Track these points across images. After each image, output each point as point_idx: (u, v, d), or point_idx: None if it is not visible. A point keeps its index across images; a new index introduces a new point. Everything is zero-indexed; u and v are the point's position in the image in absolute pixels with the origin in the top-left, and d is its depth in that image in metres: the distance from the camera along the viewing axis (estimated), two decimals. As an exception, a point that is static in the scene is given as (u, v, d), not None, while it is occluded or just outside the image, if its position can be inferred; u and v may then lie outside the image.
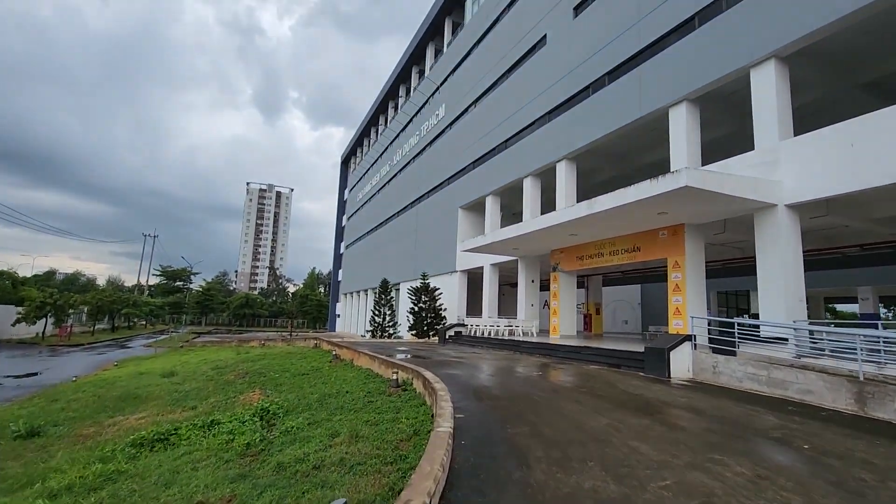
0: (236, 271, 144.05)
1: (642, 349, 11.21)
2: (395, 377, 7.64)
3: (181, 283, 55.71)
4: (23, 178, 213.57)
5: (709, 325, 15.75)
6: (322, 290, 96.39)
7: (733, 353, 9.65)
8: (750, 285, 32.90)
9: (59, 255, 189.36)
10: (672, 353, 9.37)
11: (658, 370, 9.38)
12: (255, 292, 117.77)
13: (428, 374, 6.99)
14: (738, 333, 10.07)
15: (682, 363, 9.54)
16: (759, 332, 10.68)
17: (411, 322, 26.40)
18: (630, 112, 15.73)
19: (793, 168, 11.21)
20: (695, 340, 9.78)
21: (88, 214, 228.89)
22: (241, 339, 22.01)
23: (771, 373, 7.96)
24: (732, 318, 12.53)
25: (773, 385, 7.90)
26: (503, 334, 19.72)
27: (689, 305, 13.43)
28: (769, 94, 11.81)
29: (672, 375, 9.28)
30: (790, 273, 11.21)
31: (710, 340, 10.06)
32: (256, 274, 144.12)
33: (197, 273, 51.49)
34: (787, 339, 10.28)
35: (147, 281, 57.67)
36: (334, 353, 12.70)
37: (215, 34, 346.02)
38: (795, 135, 11.58)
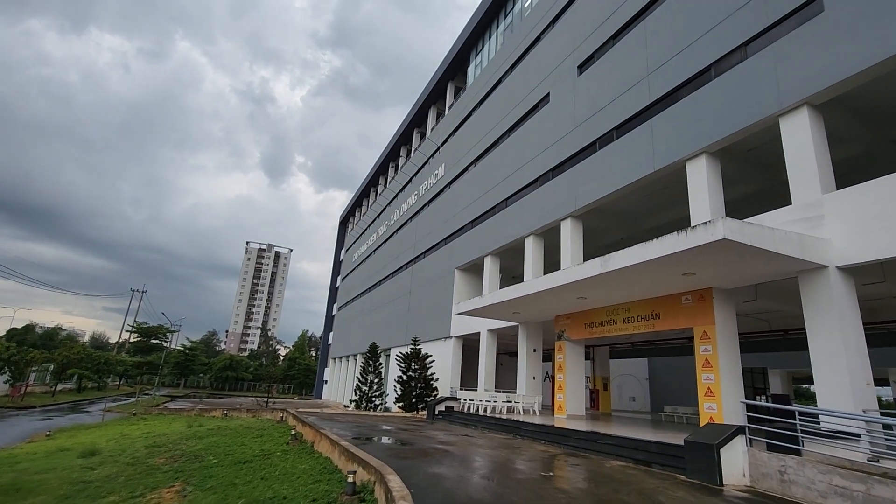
0: (227, 331, 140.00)
1: (677, 441, 8.95)
2: (351, 479, 5.48)
3: (157, 341, 52.61)
4: (24, 230, 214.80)
5: (750, 412, 13.48)
6: (313, 354, 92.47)
7: (797, 453, 7.47)
8: (767, 362, 30.50)
9: (51, 308, 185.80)
10: (722, 451, 7.18)
11: (705, 474, 7.15)
12: (245, 354, 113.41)
13: (393, 483, 4.85)
14: (800, 426, 7.92)
15: (735, 464, 7.31)
16: (818, 424, 8.55)
17: (399, 393, 23.75)
18: (642, 167, 14.46)
19: (842, 224, 9.60)
20: (748, 434, 7.60)
21: (86, 269, 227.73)
22: (205, 407, 19.41)
23: (872, 488, 5.78)
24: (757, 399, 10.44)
25: (876, 507, 5.69)
26: (501, 411, 17.21)
27: (723, 385, 11.27)
28: (805, 142, 10.47)
29: (724, 482, 7.03)
30: (853, 350, 9.22)
31: (765, 434, 7.86)
32: (248, 335, 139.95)
33: (175, 331, 48.75)
34: (858, 435, 8.15)
35: (129, 338, 54.73)
36: (294, 432, 10.39)
37: (230, 102, 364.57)
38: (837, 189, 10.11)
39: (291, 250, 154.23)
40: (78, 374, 34.49)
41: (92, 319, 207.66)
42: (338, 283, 58.78)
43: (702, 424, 11.48)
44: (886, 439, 8.06)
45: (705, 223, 8.86)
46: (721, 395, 11.19)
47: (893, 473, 6.02)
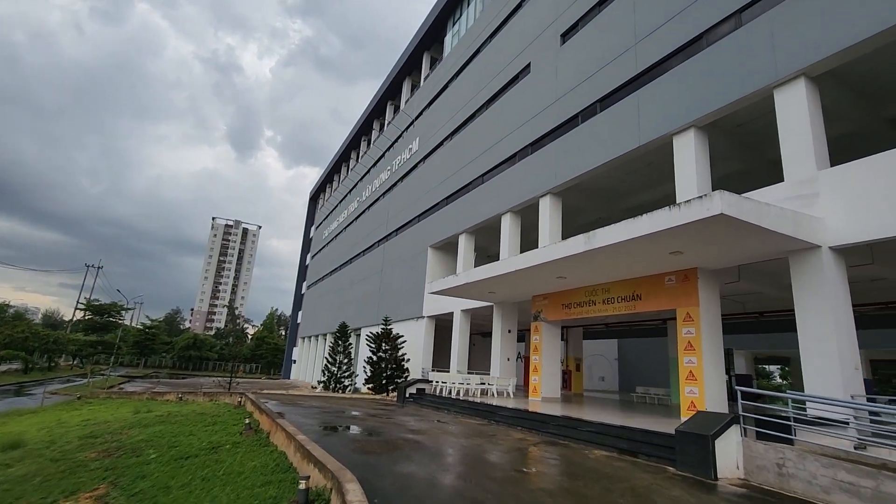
0: (192, 310, 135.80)
1: (662, 429, 8.44)
2: (303, 485, 4.61)
3: (111, 319, 49.87)
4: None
5: (733, 396, 13.23)
6: (282, 334, 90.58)
7: (790, 443, 7.02)
8: (732, 344, 31.10)
9: (1, 284, 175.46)
10: (717, 442, 6.64)
11: (698, 467, 6.60)
12: (211, 333, 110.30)
13: (352, 495, 3.98)
14: (791, 414, 7.48)
15: (729, 456, 6.79)
16: (804, 411, 8.17)
17: (368, 374, 22.94)
18: (627, 141, 13.75)
19: (837, 203, 9.12)
20: (744, 423, 7.09)
21: (40, 243, 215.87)
22: (160, 390, 18.11)
23: (882, 484, 5.29)
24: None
25: (887, 504, 5.21)
26: (474, 393, 16.62)
27: (706, 368, 10.87)
28: (800, 116, 9.90)
29: (718, 475, 6.50)
30: (843, 334, 8.85)
31: (754, 422, 7.37)
32: (214, 314, 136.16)
33: (131, 309, 46.19)
34: (846, 422, 7.80)
35: (83, 316, 51.69)
36: (248, 421, 9.42)
37: (194, 70, 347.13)
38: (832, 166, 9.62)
39: (260, 227, 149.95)
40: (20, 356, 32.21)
41: (47, 296, 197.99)
42: (307, 261, 57.06)
43: (683, 409, 11.11)
44: (873, 425, 7.76)
45: (700, 197, 8.19)
46: (703, 378, 10.79)
47: None
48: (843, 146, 12.59)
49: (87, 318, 50.24)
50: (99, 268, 55.17)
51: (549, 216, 16.59)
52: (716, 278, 11.77)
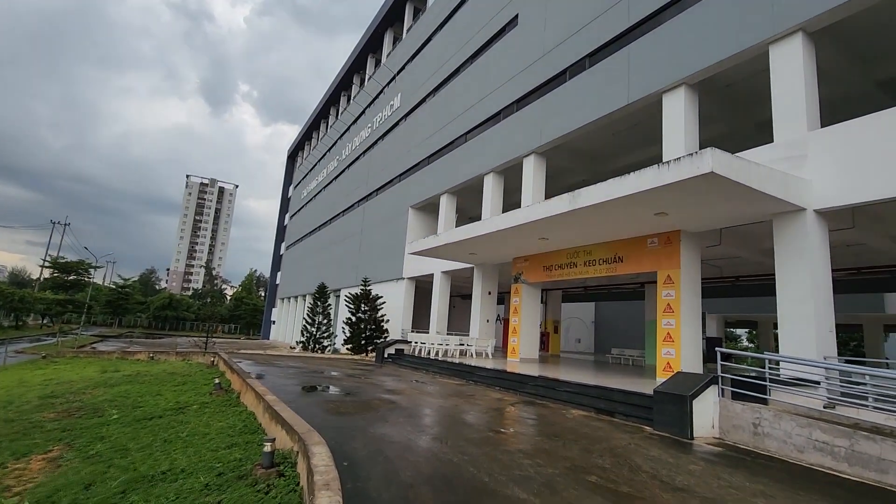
0: (168, 270, 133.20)
1: (639, 389, 8.44)
2: (268, 448, 4.34)
3: (77, 277, 48.25)
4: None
5: (708, 357, 13.38)
6: (262, 295, 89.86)
7: (764, 402, 7.07)
8: (705, 307, 31.91)
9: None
10: (694, 403, 6.61)
11: (675, 426, 6.58)
12: (188, 293, 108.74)
13: (318, 458, 3.71)
14: (767, 375, 7.52)
15: (705, 416, 6.79)
16: (778, 372, 8.23)
17: (347, 335, 22.79)
18: (615, 99, 13.26)
19: (825, 165, 8.93)
20: (722, 384, 7.07)
21: (3, 199, 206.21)
22: (132, 349, 17.59)
23: (856, 444, 5.30)
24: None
25: (861, 464, 5.24)
26: (453, 354, 16.62)
27: (683, 330, 10.91)
28: (795, 73, 9.54)
29: (695, 434, 6.50)
30: (821, 297, 8.86)
31: (732, 383, 7.37)
32: (191, 274, 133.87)
33: (99, 267, 44.65)
34: (818, 382, 7.90)
35: (49, 274, 49.89)
36: (217, 381, 9.10)
37: (161, 17, 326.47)
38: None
39: (237, 186, 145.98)
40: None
41: (15, 254, 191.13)
42: (286, 222, 55.85)
43: (659, 370, 11.23)
44: (842, 386, 7.88)
45: (691, 155, 7.88)
46: (680, 340, 10.84)
47: (885, 429, 5.58)
48: (833, 109, 12.36)
49: (53, 276, 48.54)
50: (66, 225, 53.05)
51: (532, 177, 16.17)
52: (698, 241, 11.67)
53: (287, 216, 55.86)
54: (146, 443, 5.73)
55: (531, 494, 3.77)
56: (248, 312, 65.67)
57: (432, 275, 21.81)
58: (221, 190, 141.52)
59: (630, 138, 15.76)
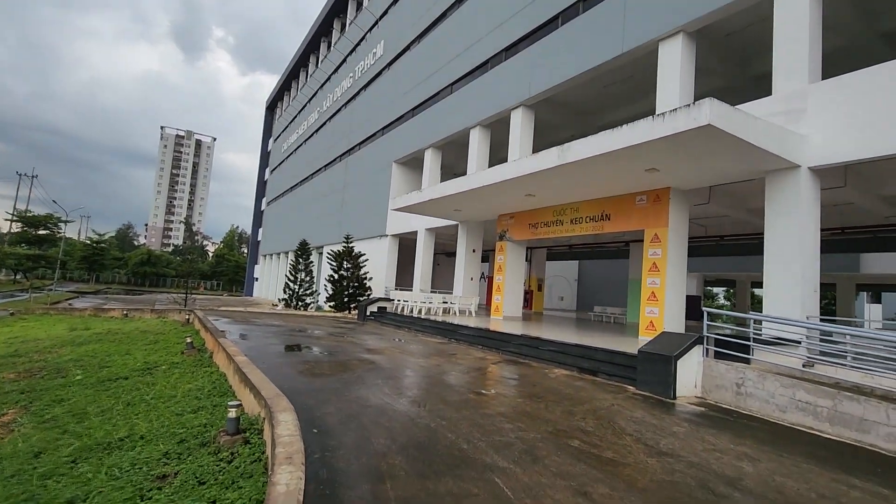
0: (146, 225, 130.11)
1: (622, 349, 8.35)
2: (233, 413, 4.04)
3: (46, 232, 46.46)
4: None
5: (689, 316, 13.44)
6: (244, 251, 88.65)
7: (746, 362, 7.01)
8: (688, 266, 32.31)
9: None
10: (679, 363, 6.50)
11: (658, 386, 6.50)
12: (168, 249, 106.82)
13: (284, 427, 3.42)
14: (751, 335, 7.45)
15: (688, 376, 6.72)
16: (760, 331, 8.19)
17: (330, 292, 22.52)
18: (609, 47, 12.55)
19: (823, 120, 8.57)
20: (707, 344, 6.96)
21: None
22: (107, 306, 17.02)
23: (840, 405, 5.24)
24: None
25: (843, 424, 5.20)
26: (436, 312, 16.50)
27: (668, 290, 10.82)
28: (800, 20, 9.00)
29: (677, 394, 6.43)
30: (808, 256, 8.75)
31: (715, 342, 7.28)
32: (170, 229, 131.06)
33: (70, 221, 42.96)
34: (799, 342, 7.90)
35: (14, 228, 47.97)
36: (189, 340, 8.75)
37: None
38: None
39: (215, 139, 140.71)
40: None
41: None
42: (266, 177, 54.23)
43: (642, 328, 11.22)
44: (822, 345, 7.90)
45: (688, 106, 7.44)
46: (664, 299, 10.77)
47: (866, 389, 5.53)
48: (833, 62, 11.90)
49: (23, 230, 46.70)
50: (33, 177, 50.66)
51: (520, 131, 15.55)
52: (687, 199, 11.41)
53: (267, 171, 54.19)
54: (107, 406, 5.40)
55: (511, 462, 3.56)
56: (230, 269, 64.85)
57: (416, 232, 21.41)
58: (199, 143, 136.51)
59: (621, 92, 15.16)
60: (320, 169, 35.02)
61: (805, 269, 8.63)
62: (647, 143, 8.11)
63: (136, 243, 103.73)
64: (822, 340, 8.11)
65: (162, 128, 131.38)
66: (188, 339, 8.80)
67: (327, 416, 4.41)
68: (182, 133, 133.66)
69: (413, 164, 23.21)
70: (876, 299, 47.64)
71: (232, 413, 4.07)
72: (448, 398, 5.42)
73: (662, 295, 10.81)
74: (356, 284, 22.17)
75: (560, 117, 17.12)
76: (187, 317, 13.52)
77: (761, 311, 8.70)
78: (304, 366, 6.87)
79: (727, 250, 24.21)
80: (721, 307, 58.89)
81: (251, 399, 4.68)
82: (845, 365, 6.77)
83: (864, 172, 10.45)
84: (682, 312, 11.17)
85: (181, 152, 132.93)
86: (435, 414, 4.69)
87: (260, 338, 10.23)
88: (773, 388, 5.91)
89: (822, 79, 8.94)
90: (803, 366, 7.35)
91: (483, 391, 5.97)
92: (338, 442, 3.74)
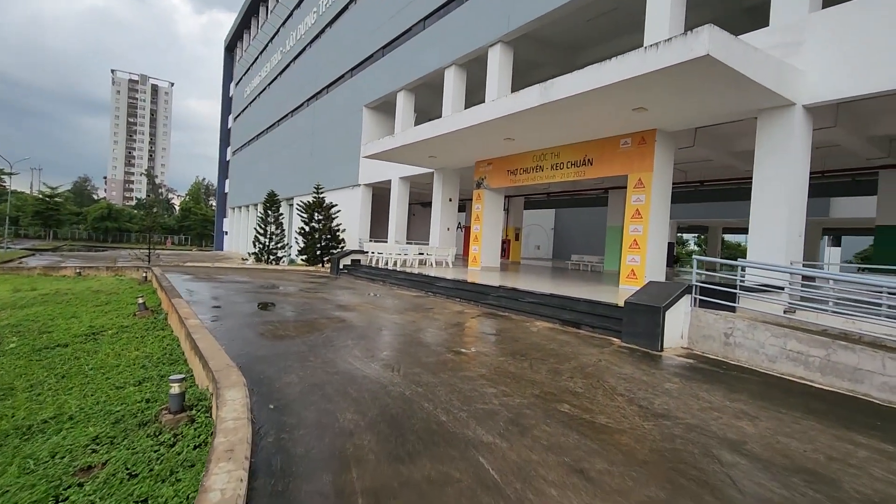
0: (105, 178, 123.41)
1: (604, 299, 8.06)
2: (176, 389, 3.49)
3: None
4: None
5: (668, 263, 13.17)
6: (212, 204, 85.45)
7: (731, 310, 6.79)
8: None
9: None
10: (667, 314, 6.20)
11: (645, 338, 6.22)
12: (131, 203, 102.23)
13: (229, 408, 2.90)
14: (738, 282, 7.21)
15: (675, 327, 6.45)
16: (744, 278, 7.99)
17: (301, 245, 21.69)
18: (595, -26, 11.48)
19: (821, 53, 8.00)
20: (695, 293, 6.67)
21: None
22: (54, 265, 15.78)
23: (833, 354, 5.02)
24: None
25: (836, 374, 5.01)
26: (412, 264, 16.01)
27: (650, 237, 10.51)
28: (805, -60, 8.20)
29: (665, 346, 6.17)
30: (796, 200, 8.46)
31: (701, 291, 7.01)
32: (132, 182, 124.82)
33: (13, 174, 39.67)
34: (782, 288, 7.75)
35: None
36: (141, 301, 8.03)
37: None
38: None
39: (172, 84, 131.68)
40: None
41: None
42: (230, 124, 51.16)
43: (623, 277, 10.99)
44: (804, 290, 7.76)
45: (685, 34, 6.73)
46: (647, 247, 10.48)
47: (857, 336, 5.33)
48: None
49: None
50: (-30, 126, 46.28)
51: (498, 70, 14.50)
52: (672, 142, 10.90)
53: (231, 118, 51.07)
54: (38, 379, 4.77)
55: (497, 436, 3.15)
56: (197, 223, 62.50)
57: (390, 181, 20.51)
58: (155, 88, 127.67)
59: (607, 26, 14.17)
60: (286, 115, 33.01)
61: (792, 214, 8.37)
62: (638, 78, 7.43)
63: (95, 197, 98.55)
64: (803, 286, 7.98)
65: (113, 71, 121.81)
66: (140, 300, 8.07)
67: (288, 386, 3.89)
68: (136, 77, 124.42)
69: (385, 108, 21.87)
70: (836, 243, 49.40)
71: (175, 388, 3.50)
72: (425, 359, 4.98)
73: (645, 242, 10.51)
74: (328, 237, 21.37)
75: (540, 55, 16.06)
76: (144, 274, 12.61)
77: (735, 258, 8.50)
78: (267, 327, 6.30)
79: (701, 196, 24.16)
80: (691, 253, 60.42)
81: (201, 370, 4.12)
82: (826, 311, 6.63)
83: (855, 111, 10.08)
84: (664, 260, 10.95)
85: (136, 98, 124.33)
86: (410, 379, 4.23)
87: (221, 296, 9.55)
88: (763, 337, 5.68)
89: (823, 7, 8.28)
90: (784, 312, 7.22)
91: (462, 350, 5.55)
92: (297, 419, 3.25)
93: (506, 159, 14.37)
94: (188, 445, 3.04)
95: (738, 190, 20.04)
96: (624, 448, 3.12)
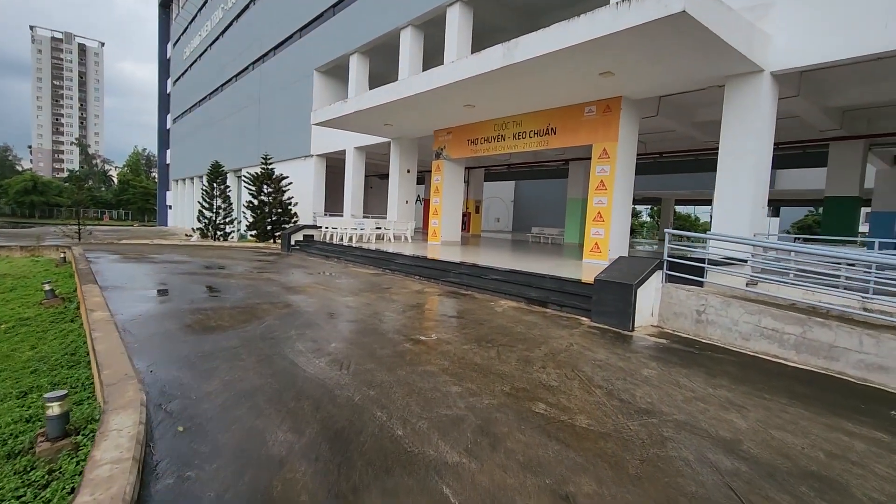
0: (30, 148, 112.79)
1: (572, 276, 7.67)
2: (55, 410, 2.73)
3: None
4: None
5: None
6: (155, 176, 79.98)
7: (699, 285, 6.56)
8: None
9: None
10: (639, 291, 5.85)
11: (616, 317, 5.87)
12: (63, 175, 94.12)
13: (110, 444, 2.21)
14: (707, 257, 7.00)
15: (646, 304, 6.13)
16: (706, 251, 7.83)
17: (250, 220, 20.33)
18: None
19: (791, 17, 7.72)
20: (666, 269, 6.36)
21: None
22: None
23: (809, 331, 4.81)
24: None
25: (811, 352, 4.81)
26: (369, 239, 15.22)
27: (615, 209, 10.21)
28: None
29: (636, 324, 5.85)
30: (761, 170, 8.31)
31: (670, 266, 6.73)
32: (62, 152, 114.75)
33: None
34: (745, 261, 7.62)
35: None
36: (48, 287, 6.92)
37: None
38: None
39: (103, 44, 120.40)
40: None
41: None
42: (169, 89, 47.26)
43: (586, 250, 10.70)
44: (766, 262, 7.70)
45: (660, -12, 6.19)
46: (611, 220, 10.19)
47: (846, 315, 5.15)
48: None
49: None
50: None
51: (458, 31, 13.59)
52: (637, 111, 10.53)
53: (169, 82, 47.13)
54: None
55: (464, 453, 2.62)
56: (138, 197, 58.34)
57: (344, 151, 19.37)
58: (83, 48, 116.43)
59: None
60: (230, 79, 30.61)
61: (757, 185, 8.23)
62: (608, 38, 6.87)
63: (18, 168, 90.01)
64: (765, 259, 7.91)
65: (32, 28, 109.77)
66: (45, 286, 6.95)
67: (207, 398, 3.19)
68: (59, 35, 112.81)
69: (337, 73, 20.45)
70: (775, 213, 52.10)
71: (53, 409, 2.74)
72: (379, 352, 4.38)
73: (609, 215, 10.21)
74: (280, 210, 20.10)
75: (502, 18, 15.21)
76: (63, 255, 11.17)
77: (686, 229, 8.33)
78: (196, 317, 5.47)
79: (657, 168, 24.38)
80: (643, 224, 62.25)
81: (97, 374, 3.34)
82: (787, 283, 6.51)
83: (816, 81, 10.00)
84: (627, 233, 10.73)
85: (61, 59, 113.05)
86: (361, 379, 3.62)
87: (150, 280, 8.50)
88: (738, 315, 5.43)
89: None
90: (747, 284, 7.10)
91: (422, 337, 4.99)
92: (212, 447, 2.57)
93: (466, 128, 13.66)
94: (62, 488, 2.32)
95: (693, 162, 20.27)
96: (612, 459, 2.66)
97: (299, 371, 3.73)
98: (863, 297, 5.67)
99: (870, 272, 5.97)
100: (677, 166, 22.50)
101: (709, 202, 34.29)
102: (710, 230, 8.68)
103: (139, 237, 22.18)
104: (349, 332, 5.08)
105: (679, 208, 58.71)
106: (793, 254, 7.81)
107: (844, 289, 6.24)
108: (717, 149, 8.45)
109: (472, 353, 4.47)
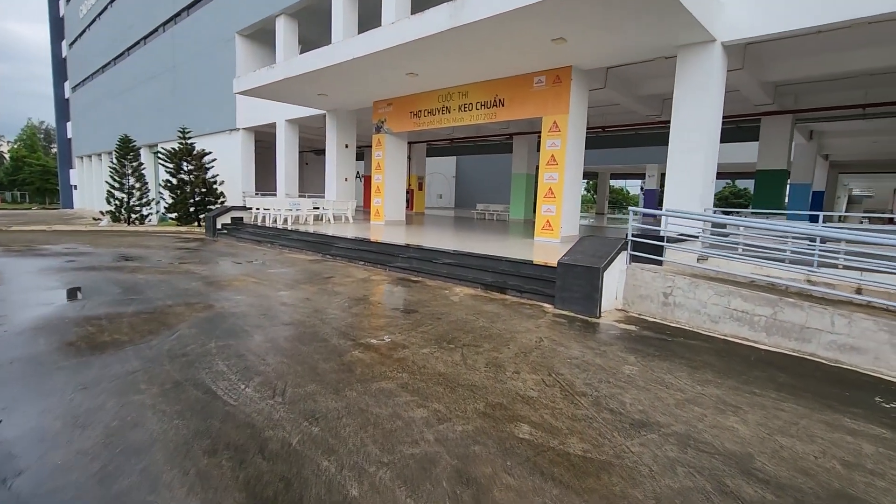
0: None
1: (526, 257, 7.21)
2: None
3: None
4: None
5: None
6: (55, 152, 71.31)
7: (658, 264, 6.32)
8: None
9: None
10: (605, 275, 5.46)
11: (581, 304, 5.46)
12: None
13: None
14: (665, 235, 6.77)
15: (611, 288, 5.78)
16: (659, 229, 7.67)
17: (169, 202, 18.29)
18: None
19: (743, -15, 7.52)
20: (630, 249, 6.01)
21: None
22: None
23: (780, 312, 4.62)
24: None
25: (782, 333, 4.64)
26: (306, 221, 14.06)
27: (566, 186, 9.87)
28: None
29: (602, 310, 5.47)
30: (711, 146, 8.22)
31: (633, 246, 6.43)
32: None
33: None
34: (696, 236, 7.52)
35: None
36: None
37: None
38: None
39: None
40: None
41: None
42: (65, 52, 41.61)
43: (538, 228, 10.33)
44: (716, 238, 7.66)
45: (623, -58, 5.64)
46: (562, 196, 9.84)
47: (816, 293, 5.00)
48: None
49: None
50: None
51: (396, -8, 12.46)
52: (587, 82, 10.14)
53: (65, 44, 41.47)
54: None
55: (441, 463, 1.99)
56: (35, 176, 51.75)
57: (275, 124, 17.76)
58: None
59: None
60: (138, 42, 27.24)
61: (707, 159, 8.13)
62: (566, -4, 6.28)
63: None
64: (713, 234, 7.88)
65: None
66: None
67: (77, 465, 2.29)
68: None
69: (264, 37, 18.55)
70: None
71: None
72: (322, 365, 3.63)
73: (560, 191, 9.85)
74: (204, 190, 18.21)
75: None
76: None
77: (620, 203, 8.20)
78: (83, 330, 4.38)
79: (597, 143, 24.66)
80: (583, 199, 63.95)
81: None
82: (736, 258, 6.43)
83: (757, 54, 10.05)
84: (578, 210, 10.48)
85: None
86: (301, 409, 2.88)
87: (30, 280, 7.01)
88: (706, 296, 5.19)
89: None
90: (698, 260, 7.01)
91: (373, 340, 4.28)
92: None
93: (408, 99, 12.73)
94: None
95: (633, 136, 20.55)
96: (625, 502, 2.15)
97: (218, 404, 2.91)
98: (808, 270, 5.64)
99: (813, 245, 5.99)
100: (617, 140, 22.79)
101: (640, 176, 35.59)
102: (640, 204, 8.53)
103: (36, 222, 19.40)
104: (285, 341, 4.26)
105: (612, 182, 61.01)
106: (742, 228, 7.84)
107: (790, 262, 6.24)
108: (658, 124, 8.32)
109: (433, 358, 3.84)
